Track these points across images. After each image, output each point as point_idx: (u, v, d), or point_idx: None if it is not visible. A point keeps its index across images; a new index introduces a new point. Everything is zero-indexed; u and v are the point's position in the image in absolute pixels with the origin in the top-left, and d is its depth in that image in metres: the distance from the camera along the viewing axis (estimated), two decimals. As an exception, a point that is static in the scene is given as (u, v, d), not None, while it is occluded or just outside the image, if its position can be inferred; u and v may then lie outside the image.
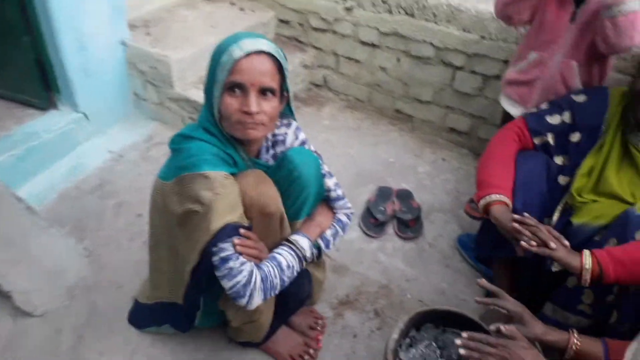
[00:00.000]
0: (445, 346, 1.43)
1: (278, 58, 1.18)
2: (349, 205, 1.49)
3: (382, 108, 2.84)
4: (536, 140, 1.60)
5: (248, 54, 1.13)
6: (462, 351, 1.20)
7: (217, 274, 1.17)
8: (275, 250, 1.29)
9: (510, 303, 1.28)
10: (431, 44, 2.44)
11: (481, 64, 2.34)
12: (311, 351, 1.54)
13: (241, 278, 1.15)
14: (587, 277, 1.24)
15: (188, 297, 1.28)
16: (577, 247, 1.31)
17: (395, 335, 1.39)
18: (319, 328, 1.62)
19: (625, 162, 1.48)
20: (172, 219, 1.21)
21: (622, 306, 1.31)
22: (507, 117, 1.90)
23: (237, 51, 1.12)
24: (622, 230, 1.30)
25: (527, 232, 1.33)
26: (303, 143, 1.42)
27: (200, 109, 2.39)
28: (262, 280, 1.19)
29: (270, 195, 1.24)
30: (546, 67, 1.71)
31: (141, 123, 2.61)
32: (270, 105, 1.18)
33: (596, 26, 1.54)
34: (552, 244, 1.28)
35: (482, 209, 1.50)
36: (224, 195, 1.13)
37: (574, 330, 1.25)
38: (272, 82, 1.17)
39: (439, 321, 1.47)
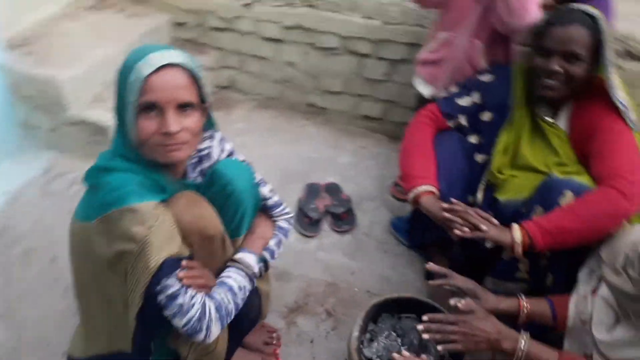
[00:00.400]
0: (404, 333, 1.44)
1: (191, 68, 1.09)
2: (288, 209, 1.44)
3: (295, 104, 2.79)
4: (450, 123, 1.65)
5: (158, 69, 1.03)
6: (425, 336, 1.21)
7: (167, 312, 1.06)
8: (223, 274, 1.20)
9: (460, 281, 1.33)
10: (336, 34, 2.43)
11: (386, 49, 2.37)
12: (272, 367, 1.48)
13: (194, 312, 1.06)
14: (519, 249, 1.32)
15: (137, 343, 1.15)
16: (507, 222, 1.37)
17: (355, 333, 1.37)
18: (274, 342, 1.56)
19: (536, 134, 1.53)
20: (101, 263, 1.07)
21: (554, 268, 1.40)
22: (421, 99, 1.95)
23: (145, 67, 1.02)
24: (545, 198, 1.37)
25: (458, 220, 1.38)
26: (230, 154, 1.34)
27: (102, 131, 2.21)
28: (216, 309, 1.11)
29: (207, 216, 1.15)
30: (454, 47, 1.76)
31: (35, 155, 2.34)
32: (192, 120, 1.09)
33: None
34: (483, 227, 1.35)
35: (411, 201, 1.54)
36: (158, 227, 1.02)
37: (522, 295, 1.32)
38: (190, 96, 1.08)
39: (394, 309, 1.48)
